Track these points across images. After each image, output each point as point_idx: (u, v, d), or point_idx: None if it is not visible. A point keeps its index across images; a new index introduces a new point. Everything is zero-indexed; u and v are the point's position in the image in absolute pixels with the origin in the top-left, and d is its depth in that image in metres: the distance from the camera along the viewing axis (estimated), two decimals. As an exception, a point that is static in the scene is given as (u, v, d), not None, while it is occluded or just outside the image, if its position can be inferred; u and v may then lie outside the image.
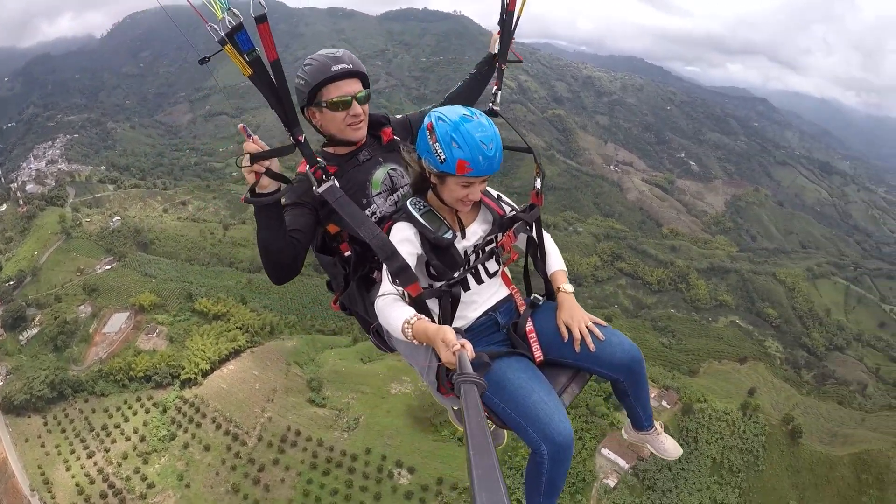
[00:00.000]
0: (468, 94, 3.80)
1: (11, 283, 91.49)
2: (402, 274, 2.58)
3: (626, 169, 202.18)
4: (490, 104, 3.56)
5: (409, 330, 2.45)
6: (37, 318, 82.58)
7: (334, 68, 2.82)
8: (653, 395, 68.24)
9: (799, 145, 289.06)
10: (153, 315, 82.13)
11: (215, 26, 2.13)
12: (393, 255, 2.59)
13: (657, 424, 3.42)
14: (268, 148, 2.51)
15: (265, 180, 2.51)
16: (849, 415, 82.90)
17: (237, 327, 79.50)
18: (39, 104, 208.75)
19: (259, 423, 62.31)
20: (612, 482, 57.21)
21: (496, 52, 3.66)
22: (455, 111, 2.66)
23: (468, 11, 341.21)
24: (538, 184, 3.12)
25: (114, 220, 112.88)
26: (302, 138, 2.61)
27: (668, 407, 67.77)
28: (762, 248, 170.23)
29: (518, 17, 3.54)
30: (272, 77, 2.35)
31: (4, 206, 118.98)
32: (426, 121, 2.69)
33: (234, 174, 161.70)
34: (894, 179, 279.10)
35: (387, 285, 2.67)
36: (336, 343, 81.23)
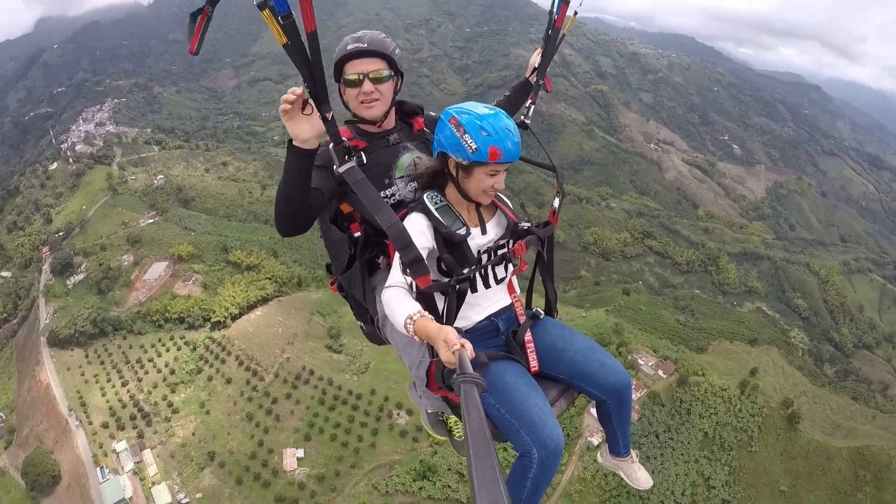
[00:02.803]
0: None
1: (61, 233, 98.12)
2: (414, 265, 2.63)
3: (666, 148, 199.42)
4: (522, 117, 3.64)
5: (412, 326, 2.48)
6: (83, 265, 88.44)
7: (349, 47, 2.94)
8: (650, 364, 68.78)
9: (850, 136, 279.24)
10: (190, 265, 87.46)
11: None
12: (408, 245, 2.64)
13: (633, 453, 3.49)
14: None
15: (309, 131, 2.52)
16: (860, 411, 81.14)
17: (267, 278, 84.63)
18: (89, 70, 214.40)
19: (277, 362, 67.03)
20: (595, 440, 58.17)
21: (531, 74, 3.77)
22: (475, 105, 2.81)
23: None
24: (556, 203, 3.28)
25: (157, 178, 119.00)
26: (329, 116, 2.61)
27: (664, 377, 67.36)
28: (800, 237, 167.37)
29: (563, 36, 3.63)
30: (307, 49, 2.30)
31: (55, 165, 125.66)
32: (447, 117, 2.81)
33: (276, 137, 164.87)
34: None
35: (396, 275, 2.72)
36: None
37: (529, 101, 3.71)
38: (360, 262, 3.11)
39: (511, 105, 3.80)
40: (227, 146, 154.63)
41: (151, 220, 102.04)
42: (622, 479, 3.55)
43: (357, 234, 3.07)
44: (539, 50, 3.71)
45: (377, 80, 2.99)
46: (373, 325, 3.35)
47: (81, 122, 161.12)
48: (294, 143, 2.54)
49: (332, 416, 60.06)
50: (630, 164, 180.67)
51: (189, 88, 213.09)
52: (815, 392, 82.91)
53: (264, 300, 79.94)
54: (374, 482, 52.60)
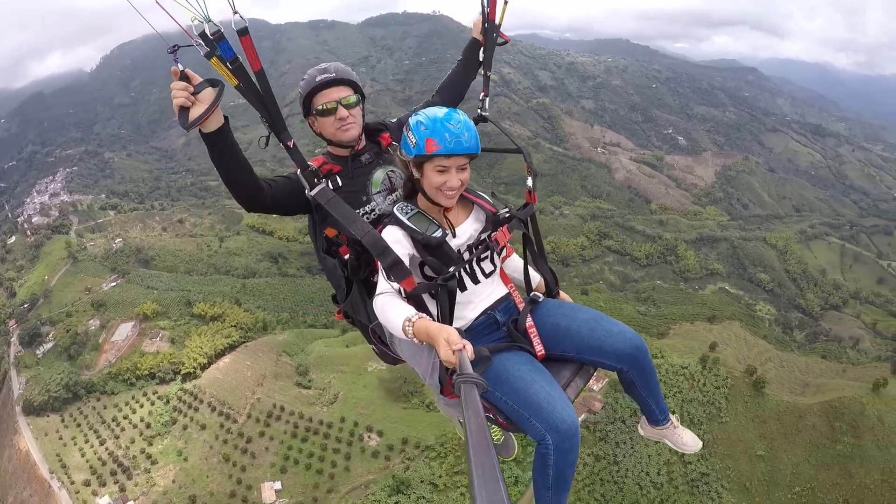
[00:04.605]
0: (458, 82, 3.85)
1: (26, 305, 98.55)
2: (395, 268, 2.67)
3: (613, 150, 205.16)
4: (479, 110, 3.67)
5: (411, 328, 2.52)
6: (51, 334, 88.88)
7: (318, 79, 3.09)
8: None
9: (791, 111, 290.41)
10: (156, 322, 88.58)
11: (200, 41, 2.28)
12: (385, 250, 2.68)
13: (673, 418, 3.42)
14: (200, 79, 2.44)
15: (205, 113, 2.40)
16: (830, 368, 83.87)
17: (232, 326, 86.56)
18: (37, 141, 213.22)
19: (249, 403, 68.52)
20: (564, 430, 60.35)
21: (478, 35, 3.70)
22: (430, 108, 2.86)
23: (447, 10, 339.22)
24: (530, 182, 3.27)
25: (116, 241, 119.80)
26: (290, 143, 2.76)
27: (621, 366, 69.00)
28: (754, 215, 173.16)
29: (499, 25, 3.62)
30: (258, 86, 2.52)
31: (13, 238, 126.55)
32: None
33: (227, 191, 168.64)
34: (891, 137, 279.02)
35: (382, 283, 2.80)
36: (326, 335, 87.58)
37: (483, 93, 3.74)
38: (357, 285, 3.20)
39: (465, 69, 3.85)
40: (182, 203, 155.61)
41: (114, 284, 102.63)
42: (669, 447, 3.53)
43: (347, 257, 3.14)
44: (479, 18, 3.70)
45: (349, 106, 3.18)
46: (383, 344, 3.36)
47: (35, 194, 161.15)
48: (204, 131, 2.51)
49: (306, 447, 61.61)
50: (579, 170, 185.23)
51: (139, 151, 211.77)
52: (781, 357, 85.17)
53: (231, 347, 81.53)
54: (352, 503, 54.23)
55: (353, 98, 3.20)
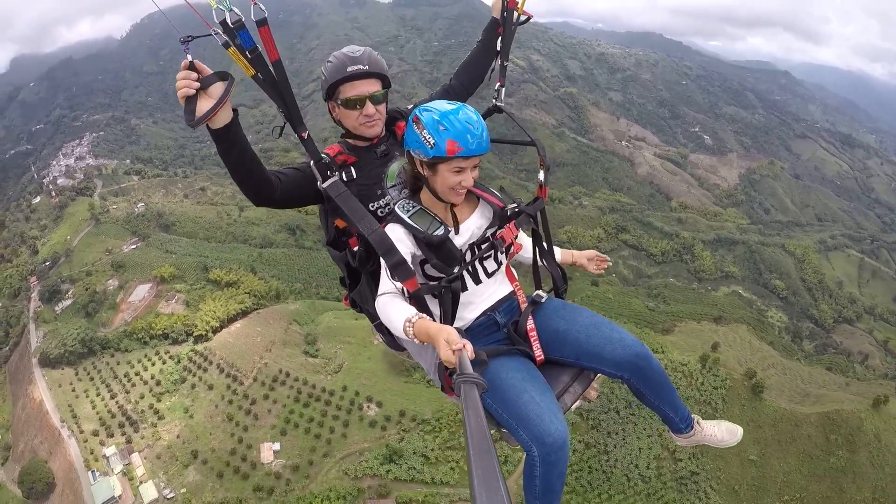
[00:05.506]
0: (478, 63, 3.60)
1: (47, 263, 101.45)
2: (399, 268, 2.64)
3: (637, 144, 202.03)
4: (493, 100, 3.54)
5: (411, 328, 2.50)
6: (70, 292, 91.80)
7: (350, 69, 2.86)
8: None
9: (822, 118, 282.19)
10: (172, 285, 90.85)
11: (218, 30, 2.25)
12: (390, 249, 2.65)
13: (696, 419, 3.27)
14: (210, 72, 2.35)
15: (214, 108, 2.33)
16: (833, 380, 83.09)
17: (245, 292, 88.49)
18: (65, 106, 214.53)
19: (256, 367, 70.44)
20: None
21: (498, 15, 3.50)
22: (439, 104, 2.78)
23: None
24: (542, 176, 3.21)
25: (138, 206, 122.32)
26: (305, 135, 2.68)
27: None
28: (775, 220, 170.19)
29: (518, 16, 3.50)
30: (275, 76, 2.45)
31: (38, 199, 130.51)
32: (412, 115, 2.81)
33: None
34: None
35: (386, 283, 2.77)
36: (337, 307, 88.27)
37: (499, 83, 3.56)
38: (366, 276, 3.13)
39: (485, 50, 3.60)
40: (205, 172, 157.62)
41: (134, 246, 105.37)
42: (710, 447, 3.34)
43: (356, 248, 3.06)
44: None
45: (377, 101, 3.00)
46: (390, 335, 3.28)
47: (62, 156, 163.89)
48: (212, 128, 2.40)
49: (307, 412, 63.40)
50: (602, 162, 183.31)
51: (165, 119, 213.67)
52: (785, 364, 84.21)
53: (244, 313, 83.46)
54: (345, 468, 55.77)
55: (381, 94, 3.03)
